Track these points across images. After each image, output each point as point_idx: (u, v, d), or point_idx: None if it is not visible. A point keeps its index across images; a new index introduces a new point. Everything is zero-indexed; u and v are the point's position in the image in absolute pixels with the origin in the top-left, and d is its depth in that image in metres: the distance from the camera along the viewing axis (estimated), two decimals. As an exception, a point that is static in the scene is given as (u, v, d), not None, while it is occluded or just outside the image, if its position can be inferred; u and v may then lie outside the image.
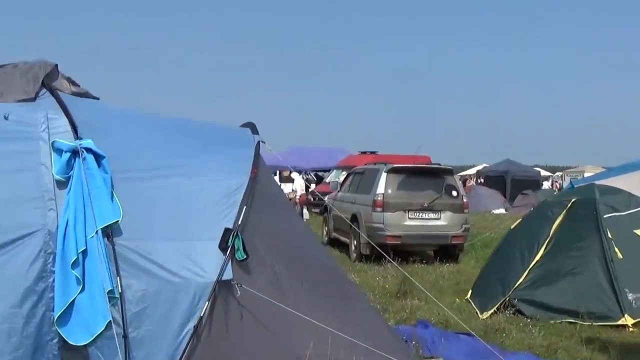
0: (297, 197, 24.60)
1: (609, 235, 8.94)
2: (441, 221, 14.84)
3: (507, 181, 34.40)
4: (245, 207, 5.08)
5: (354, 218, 15.69)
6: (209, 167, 5.28)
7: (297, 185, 24.99)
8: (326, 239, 18.25)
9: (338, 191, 18.46)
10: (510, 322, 8.69)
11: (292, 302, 5.09)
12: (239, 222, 4.97)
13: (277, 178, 37.80)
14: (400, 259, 14.15)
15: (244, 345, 4.91)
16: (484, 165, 47.05)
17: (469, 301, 10.00)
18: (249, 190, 5.17)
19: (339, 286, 6.03)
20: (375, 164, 17.05)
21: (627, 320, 8.34)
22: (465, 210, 15.08)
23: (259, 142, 5.77)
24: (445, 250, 15.37)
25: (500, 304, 9.10)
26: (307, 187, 24.48)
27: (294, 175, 25.95)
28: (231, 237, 4.82)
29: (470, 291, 10.29)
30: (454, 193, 15.02)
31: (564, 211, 9.49)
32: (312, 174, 37.89)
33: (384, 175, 15.00)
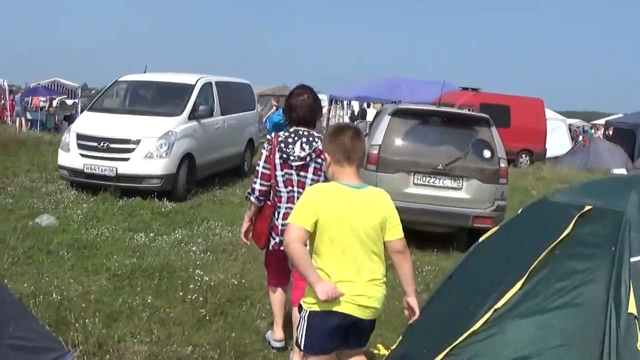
0: None
1: (629, 284, 4.12)
2: (462, 193, 10.15)
3: (637, 136, 27.84)
4: None
5: (358, 175, 11.34)
6: None
7: None
8: None
9: (366, 135, 13.91)
10: None
11: None
12: None
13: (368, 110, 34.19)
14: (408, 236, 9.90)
15: None
16: (619, 115, 40.21)
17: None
18: None
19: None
20: (394, 102, 12.28)
21: None
22: (502, 180, 10.25)
23: None
24: (470, 235, 10.74)
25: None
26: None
27: None
28: None
29: (401, 337, 5.75)
30: (487, 153, 10.22)
31: (571, 224, 4.65)
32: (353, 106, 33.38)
33: (386, 119, 10.47)
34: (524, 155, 25.53)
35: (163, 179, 12.38)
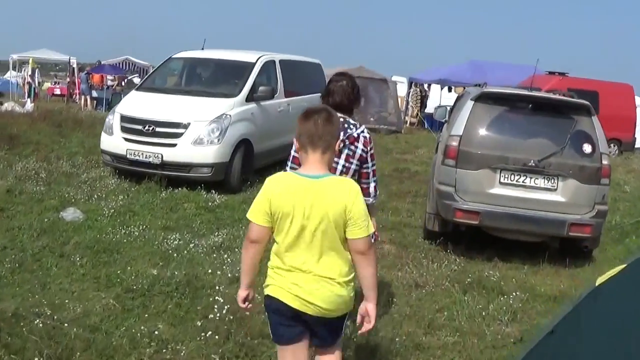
0: None
1: None
2: (557, 195, 8.45)
3: None
4: None
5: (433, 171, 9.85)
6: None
7: None
8: None
9: (445, 121, 12.17)
10: None
11: None
12: None
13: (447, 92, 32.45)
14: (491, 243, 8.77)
15: None
16: None
17: None
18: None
19: None
20: (479, 85, 10.57)
21: None
22: (604, 180, 8.50)
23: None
24: (565, 243, 9.07)
25: None
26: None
27: None
28: None
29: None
30: (587, 148, 8.47)
31: None
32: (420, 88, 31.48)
33: (469, 104, 8.83)
34: (612, 145, 23.58)
35: (214, 167, 11.03)
